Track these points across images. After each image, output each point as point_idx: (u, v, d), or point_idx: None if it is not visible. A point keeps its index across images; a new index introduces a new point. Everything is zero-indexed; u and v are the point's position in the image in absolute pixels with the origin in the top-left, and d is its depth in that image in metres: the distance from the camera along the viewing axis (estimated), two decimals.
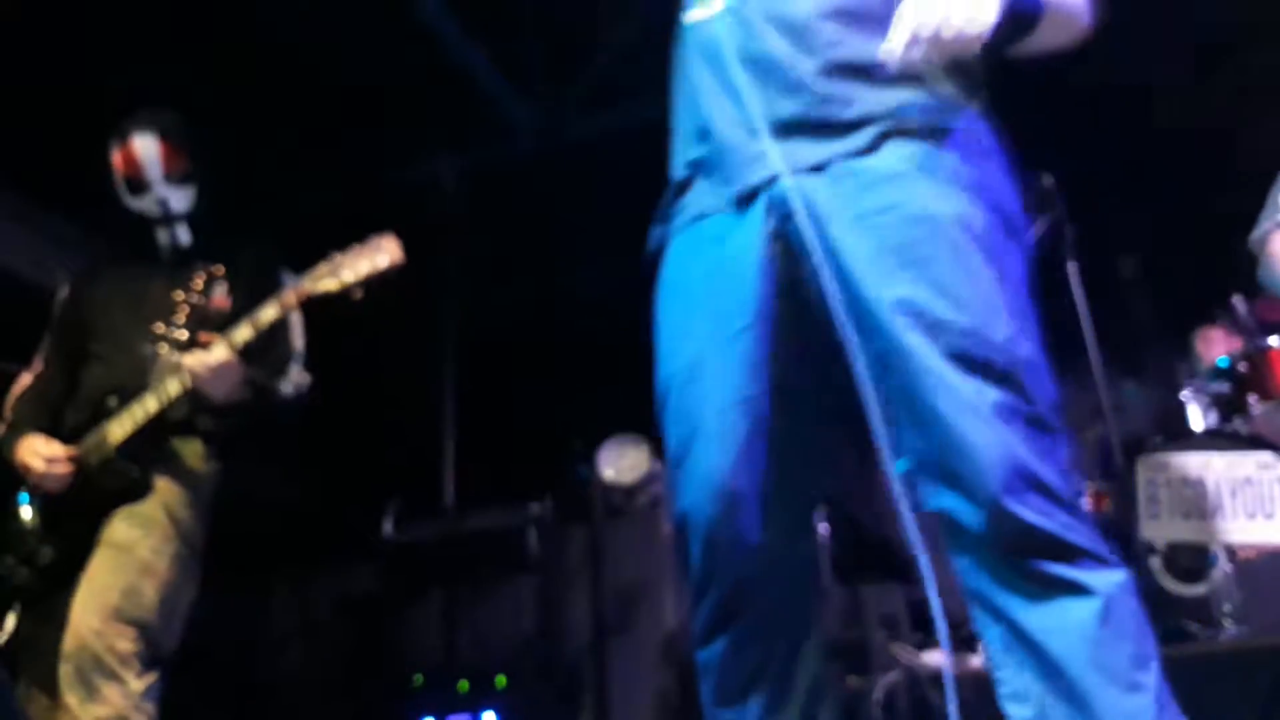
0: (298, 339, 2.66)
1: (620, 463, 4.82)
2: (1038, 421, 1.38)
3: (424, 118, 5.20)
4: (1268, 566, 3.10)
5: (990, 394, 1.35)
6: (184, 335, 2.53)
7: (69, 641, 2.29)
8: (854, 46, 1.50)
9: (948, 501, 1.36)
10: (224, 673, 4.31)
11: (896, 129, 1.47)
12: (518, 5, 4.88)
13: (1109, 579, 1.35)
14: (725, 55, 1.54)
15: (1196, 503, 3.10)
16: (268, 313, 2.41)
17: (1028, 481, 1.32)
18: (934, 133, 1.48)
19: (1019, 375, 1.38)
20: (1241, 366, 3.57)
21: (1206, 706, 2.65)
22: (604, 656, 3.69)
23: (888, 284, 1.39)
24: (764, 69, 1.52)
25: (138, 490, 2.45)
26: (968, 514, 1.34)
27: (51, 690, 2.30)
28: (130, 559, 2.37)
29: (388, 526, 3.96)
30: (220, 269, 2.64)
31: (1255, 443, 3.16)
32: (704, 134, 1.59)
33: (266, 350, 2.59)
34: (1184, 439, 3.35)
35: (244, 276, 2.61)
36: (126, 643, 2.30)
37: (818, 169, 1.47)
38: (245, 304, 2.49)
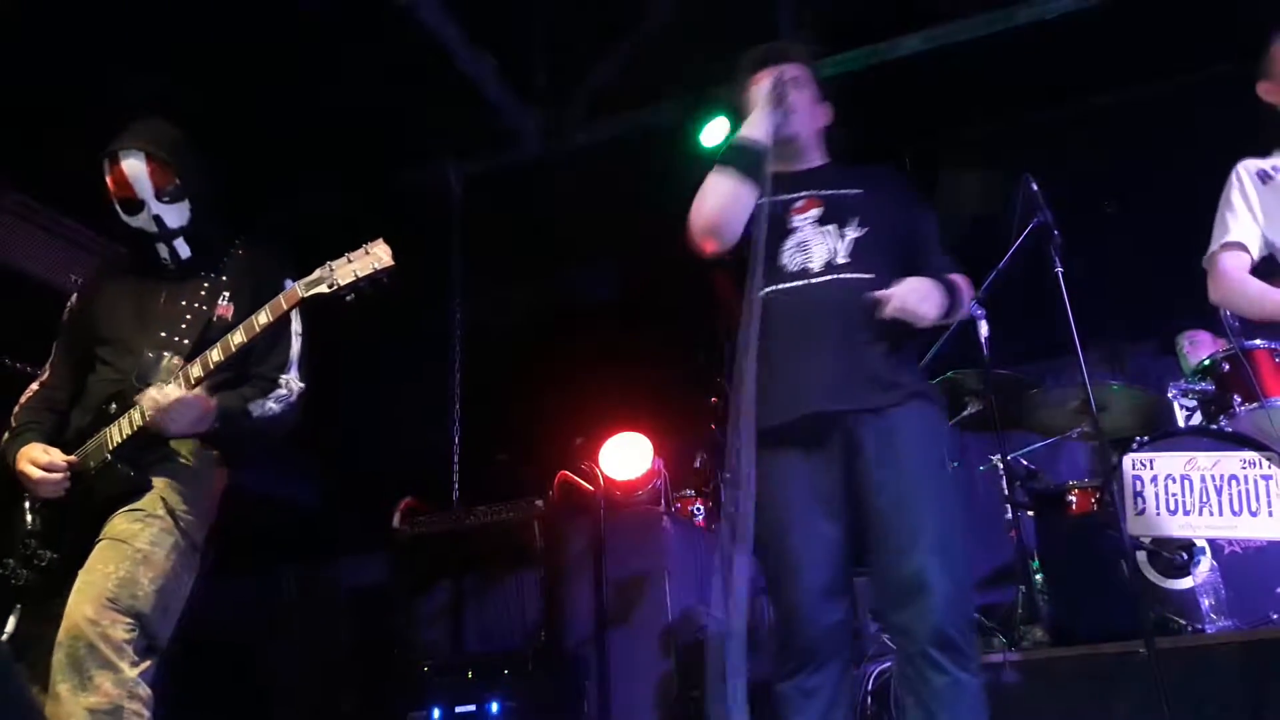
0: (296, 345, 2.66)
1: (621, 459, 4.89)
2: None
3: (432, 126, 5.25)
4: (1252, 562, 3.17)
5: None
6: (187, 342, 2.55)
7: (63, 630, 2.29)
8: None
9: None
10: (237, 662, 4.35)
11: None
12: (523, 17, 4.93)
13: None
14: None
15: (1182, 499, 3.16)
16: (260, 318, 2.43)
17: None
18: None
19: None
20: (1225, 367, 3.63)
21: (1191, 699, 2.72)
22: (606, 646, 3.75)
23: None
24: None
25: (135, 492, 2.46)
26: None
27: (49, 684, 2.28)
28: (128, 550, 2.38)
29: (396, 520, 3.99)
30: (224, 278, 2.66)
31: (1240, 441, 3.22)
32: None
33: (265, 355, 2.61)
34: (1170, 437, 3.41)
35: (248, 285, 2.62)
36: (121, 631, 2.30)
37: None
38: (249, 312, 2.51)
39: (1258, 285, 2.75)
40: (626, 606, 3.83)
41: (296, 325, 2.67)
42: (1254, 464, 3.14)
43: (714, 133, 5.08)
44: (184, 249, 2.67)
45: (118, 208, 2.65)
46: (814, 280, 2.35)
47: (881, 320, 2.27)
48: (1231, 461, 3.14)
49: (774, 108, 2.45)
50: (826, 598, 2.22)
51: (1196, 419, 3.82)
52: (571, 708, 3.63)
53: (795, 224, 2.45)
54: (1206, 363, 3.72)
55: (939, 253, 2.48)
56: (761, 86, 2.51)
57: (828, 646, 2.22)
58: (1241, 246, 2.80)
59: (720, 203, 2.41)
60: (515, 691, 3.52)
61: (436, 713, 3.58)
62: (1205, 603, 3.18)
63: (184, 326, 2.59)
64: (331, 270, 2.39)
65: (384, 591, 4.05)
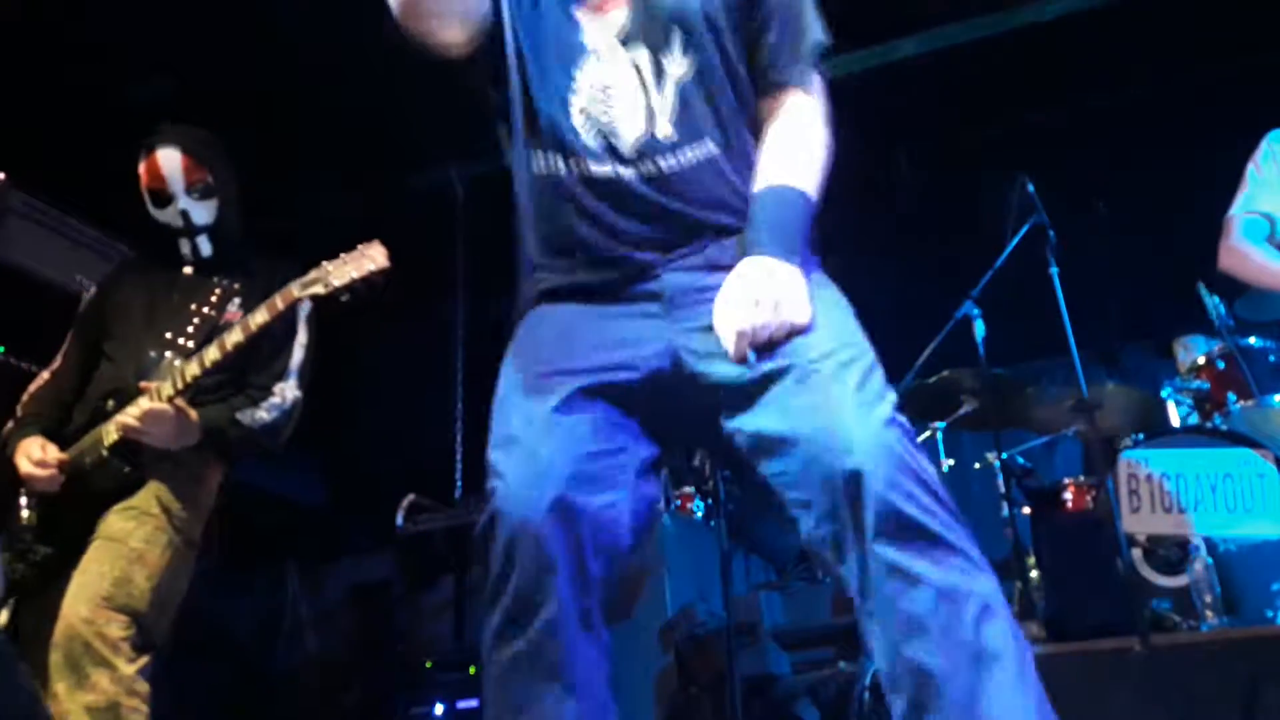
0: (298, 356, 2.67)
1: None
2: None
3: (435, 127, 5.27)
4: (1247, 559, 3.18)
5: None
6: (192, 345, 2.57)
7: (59, 630, 2.30)
8: None
9: None
10: (241, 658, 4.38)
11: None
12: None
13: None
14: None
15: (1177, 497, 3.17)
16: (256, 318, 2.44)
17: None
18: None
19: None
20: (1221, 365, 3.65)
21: (1187, 698, 2.74)
22: None
23: None
24: None
25: (130, 488, 2.49)
26: None
27: (47, 682, 2.31)
28: (122, 549, 2.40)
29: (399, 518, 4.01)
30: (237, 285, 2.69)
31: (1235, 439, 3.23)
32: None
33: (266, 364, 2.64)
34: (1165, 435, 3.43)
35: (260, 292, 2.62)
36: (117, 629, 2.31)
37: None
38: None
39: (1261, 257, 2.74)
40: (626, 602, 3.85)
41: (303, 336, 2.69)
42: (1249, 461, 3.14)
43: None
44: (206, 246, 2.72)
45: (147, 200, 2.71)
46: (624, 170, 1.59)
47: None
48: (1227, 459, 3.15)
49: None
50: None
51: (1192, 417, 3.84)
52: None
53: (587, 38, 1.63)
54: (1201, 360, 3.74)
55: (790, 45, 1.67)
56: None
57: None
58: (1261, 214, 2.80)
59: None
60: None
61: (439, 708, 3.60)
62: (1201, 600, 3.20)
63: (191, 329, 2.62)
64: (327, 272, 2.41)
65: (387, 588, 4.08)
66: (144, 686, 2.33)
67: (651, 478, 1.62)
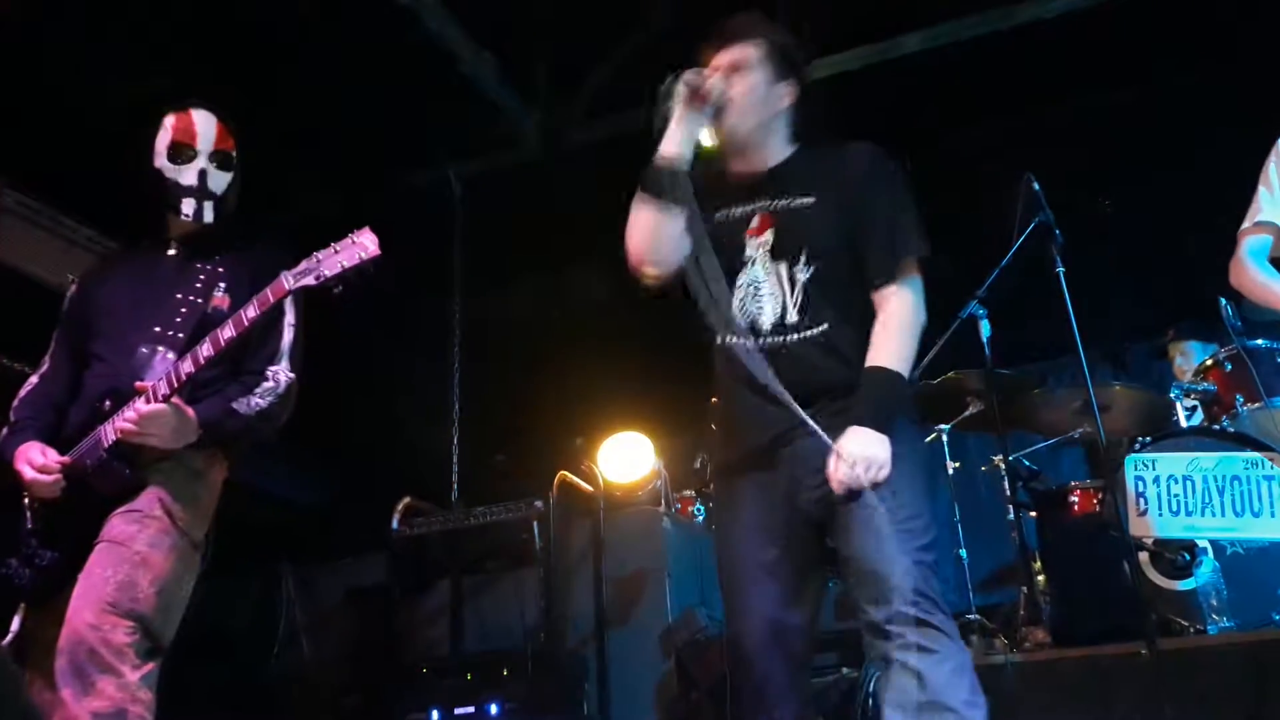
0: (288, 336, 2.64)
1: (621, 459, 4.89)
2: None
3: (433, 126, 5.26)
4: (1254, 563, 3.16)
5: None
6: (181, 336, 2.52)
7: (64, 636, 2.28)
8: None
9: None
10: (235, 662, 4.36)
11: None
12: (524, 17, 4.93)
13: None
14: None
15: (1184, 500, 3.15)
16: (249, 311, 2.41)
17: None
18: None
19: None
20: (1228, 366, 3.63)
21: (1193, 700, 2.72)
22: (605, 647, 3.74)
23: None
24: None
25: (132, 490, 2.45)
26: None
27: (55, 687, 2.27)
28: (126, 553, 2.36)
29: (396, 521, 3.99)
30: (221, 269, 2.65)
31: (1242, 441, 3.21)
32: None
33: (257, 349, 2.59)
34: (1172, 438, 3.40)
35: (246, 276, 2.61)
36: (122, 635, 2.29)
37: None
38: (245, 303, 2.47)
39: (1264, 276, 2.74)
40: (626, 607, 3.83)
41: (290, 316, 2.65)
42: (1256, 464, 3.12)
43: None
44: (209, 213, 2.71)
45: (165, 154, 2.71)
46: (765, 340, 2.26)
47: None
48: (1234, 462, 3.13)
49: (693, 113, 2.26)
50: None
51: (1199, 419, 3.82)
52: (571, 709, 3.62)
53: (749, 252, 2.33)
54: (1209, 362, 3.72)
55: (882, 249, 2.27)
56: (680, 82, 2.27)
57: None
58: (1271, 227, 2.78)
59: (643, 234, 2.30)
60: (514, 693, 3.52)
61: (435, 714, 3.56)
62: (1208, 604, 3.18)
63: (179, 319, 2.56)
64: (319, 262, 2.37)
65: (383, 592, 4.05)
66: (148, 694, 2.30)
67: None
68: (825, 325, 2.24)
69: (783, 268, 2.28)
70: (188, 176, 2.70)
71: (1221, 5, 4.51)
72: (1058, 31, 4.72)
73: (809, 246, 2.27)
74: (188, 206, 2.70)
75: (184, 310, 2.59)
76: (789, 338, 2.24)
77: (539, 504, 3.84)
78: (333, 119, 5.04)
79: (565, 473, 4.08)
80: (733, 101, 2.29)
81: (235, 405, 2.53)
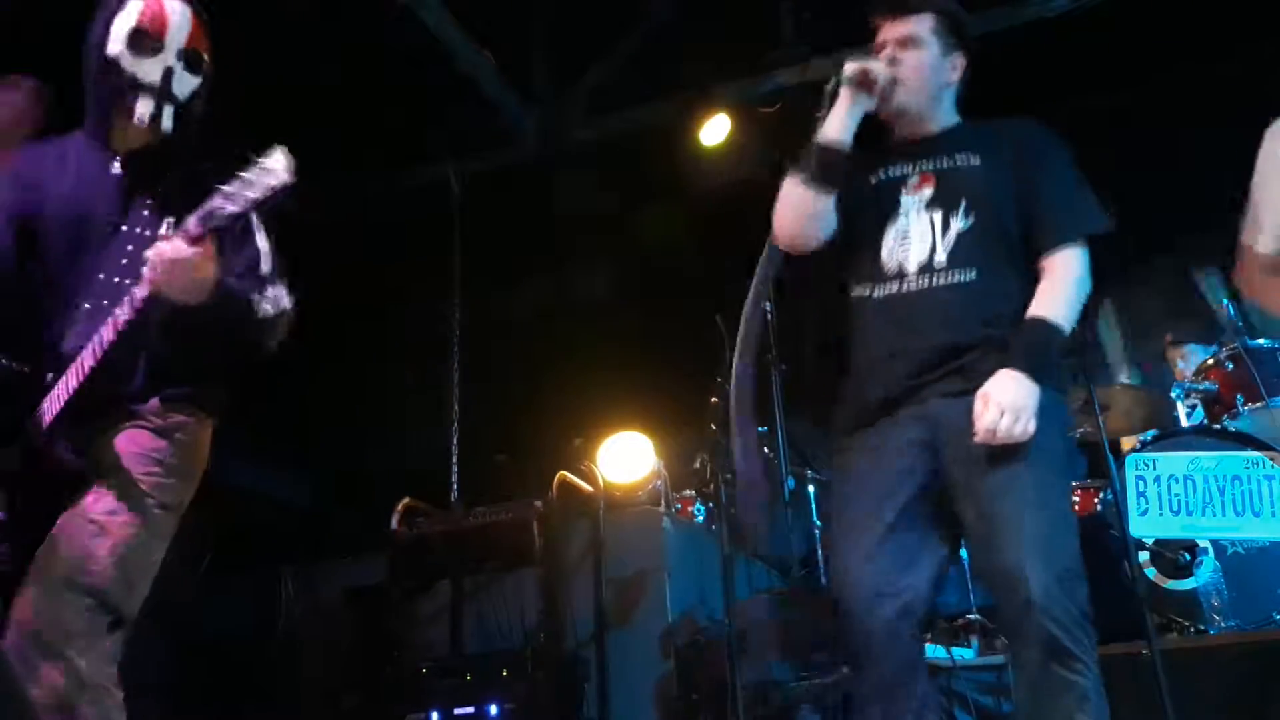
0: (262, 240, 2.31)
1: (621, 459, 4.87)
2: None
3: (432, 124, 5.26)
4: (1255, 563, 3.16)
5: None
6: (129, 283, 2.15)
7: (12, 620, 2.08)
8: None
9: None
10: (234, 662, 4.35)
11: None
12: (523, 16, 4.94)
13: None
14: None
15: (1185, 500, 3.14)
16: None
17: None
18: None
19: None
20: (1229, 366, 3.62)
21: (1194, 700, 2.71)
22: (605, 648, 3.73)
23: None
24: None
25: (90, 458, 2.19)
26: None
27: None
28: (81, 522, 2.15)
29: (395, 521, 3.98)
30: (167, 200, 2.25)
31: (1244, 441, 3.21)
32: None
33: (235, 253, 2.25)
34: (1173, 437, 3.41)
35: (191, 203, 2.12)
36: (73, 614, 2.08)
37: None
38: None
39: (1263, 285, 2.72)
40: (626, 607, 3.82)
41: (263, 243, 2.34)
42: (1257, 464, 3.12)
43: (713, 132, 5.07)
44: (169, 120, 2.30)
45: (125, 44, 2.28)
46: (909, 283, 2.24)
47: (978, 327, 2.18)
48: (1235, 462, 3.12)
49: (859, 98, 2.26)
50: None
51: (1199, 418, 3.81)
52: (571, 709, 3.62)
53: (904, 205, 2.30)
54: (1210, 361, 3.72)
55: (1062, 213, 2.25)
56: (846, 69, 2.29)
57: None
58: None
59: (794, 214, 2.30)
60: (514, 693, 3.51)
61: (435, 715, 3.56)
62: (1209, 604, 3.18)
63: (124, 263, 2.26)
64: (227, 193, 2.04)
65: (382, 593, 4.04)
66: (109, 671, 2.09)
67: None
68: (974, 272, 2.20)
69: (937, 215, 2.26)
70: (149, 72, 2.28)
71: (1222, 4, 4.51)
72: (1060, 30, 4.72)
73: (970, 198, 2.25)
74: (144, 107, 2.28)
75: (130, 246, 2.27)
76: (936, 280, 2.20)
77: (539, 504, 3.83)
78: (331, 117, 5.03)
79: (565, 473, 4.08)
80: (903, 80, 2.29)
81: (245, 291, 2.26)
